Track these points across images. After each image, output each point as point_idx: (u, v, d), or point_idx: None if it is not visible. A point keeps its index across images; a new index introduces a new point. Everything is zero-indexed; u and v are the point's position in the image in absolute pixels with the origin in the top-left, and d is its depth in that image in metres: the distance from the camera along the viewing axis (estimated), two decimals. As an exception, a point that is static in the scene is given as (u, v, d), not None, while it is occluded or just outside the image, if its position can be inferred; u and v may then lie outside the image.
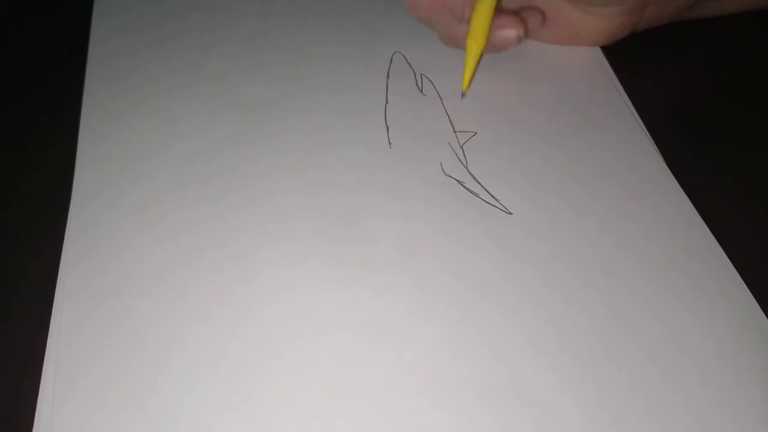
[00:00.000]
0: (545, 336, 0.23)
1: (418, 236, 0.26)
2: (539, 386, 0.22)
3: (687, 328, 0.24)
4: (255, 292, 0.24)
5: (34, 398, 0.22)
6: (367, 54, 0.34)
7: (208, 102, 0.32)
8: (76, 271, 0.25)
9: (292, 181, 0.28)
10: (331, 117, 0.31)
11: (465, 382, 0.22)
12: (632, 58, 0.35)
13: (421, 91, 0.32)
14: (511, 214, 0.27)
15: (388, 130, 0.31)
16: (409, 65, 0.33)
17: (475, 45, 0.30)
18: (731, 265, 0.26)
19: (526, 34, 0.32)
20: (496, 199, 0.28)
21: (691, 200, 0.28)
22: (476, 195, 0.28)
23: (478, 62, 0.30)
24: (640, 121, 0.32)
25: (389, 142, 0.30)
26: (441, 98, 0.32)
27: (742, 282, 0.25)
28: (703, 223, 0.27)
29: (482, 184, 0.28)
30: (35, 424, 0.21)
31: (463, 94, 0.31)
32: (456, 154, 0.30)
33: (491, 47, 0.31)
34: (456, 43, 0.33)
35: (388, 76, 0.33)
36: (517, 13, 0.32)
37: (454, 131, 0.31)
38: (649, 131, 0.31)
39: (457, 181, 0.28)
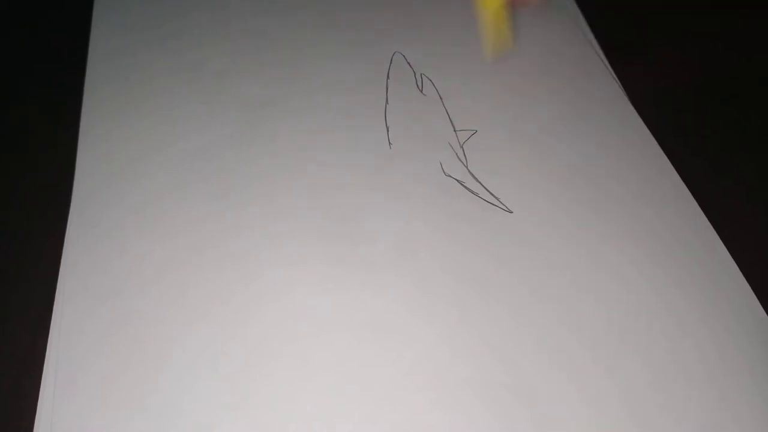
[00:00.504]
0: (545, 336, 0.23)
1: (418, 236, 0.26)
2: (539, 386, 0.22)
3: (689, 327, 0.24)
4: (255, 292, 0.24)
5: (34, 398, 0.22)
6: (367, 54, 0.34)
7: (208, 101, 0.32)
8: (76, 271, 0.25)
9: (292, 181, 0.28)
10: (331, 117, 0.31)
11: (465, 382, 0.22)
12: (632, 58, 0.35)
13: (421, 91, 0.32)
14: (511, 212, 0.27)
15: (388, 131, 0.30)
16: (409, 65, 0.33)
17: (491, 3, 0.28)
18: (734, 263, 0.26)
19: None
20: (496, 198, 0.28)
21: (694, 196, 0.28)
22: (476, 194, 0.28)
23: (504, 23, 0.28)
24: (640, 119, 0.32)
25: (389, 143, 0.30)
26: (441, 98, 0.32)
27: (745, 281, 0.25)
28: (707, 221, 0.27)
29: (482, 183, 0.28)
30: (35, 423, 0.21)
31: (491, 61, 0.29)
32: (456, 154, 0.30)
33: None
34: None
35: (388, 76, 0.33)
36: None
37: (454, 131, 0.31)
38: (650, 129, 0.31)
39: (457, 180, 0.28)
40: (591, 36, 0.36)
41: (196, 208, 0.27)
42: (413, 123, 0.31)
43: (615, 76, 0.34)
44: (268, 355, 0.23)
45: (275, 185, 0.28)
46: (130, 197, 0.27)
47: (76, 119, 0.31)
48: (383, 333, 0.23)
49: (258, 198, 0.28)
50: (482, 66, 0.33)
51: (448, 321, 0.24)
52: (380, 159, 0.29)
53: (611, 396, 0.22)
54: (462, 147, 0.30)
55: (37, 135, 0.31)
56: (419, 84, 0.32)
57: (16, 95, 0.33)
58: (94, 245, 0.26)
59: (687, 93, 0.34)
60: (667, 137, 0.31)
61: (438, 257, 0.26)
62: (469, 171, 0.29)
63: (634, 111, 0.32)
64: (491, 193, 0.28)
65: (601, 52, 0.35)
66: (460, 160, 0.29)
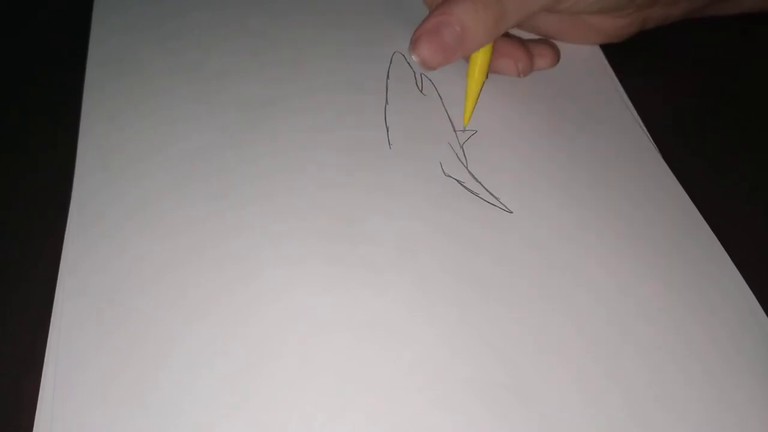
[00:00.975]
0: (545, 336, 0.23)
1: (418, 236, 0.26)
2: (539, 386, 0.22)
3: (688, 327, 0.24)
4: (255, 292, 0.24)
5: (34, 398, 0.22)
6: (367, 54, 0.34)
7: (208, 101, 0.32)
8: (76, 271, 0.25)
9: (292, 181, 0.28)
10: (331, 117, 0.31)
11: (465, 382, 0.22)
12: (632, 58, 0.35)
13: (421, 91, 0.32)
14: (511, 213, 0.27)
15: (387, 131, 0.30)
16: (409, 65, 0.33)
17: (474, 84, 0.30)
18: (733, 264, 0.26)
19: (527, 69, 0.32)
20: (496, 198, 0.28)
21: (692, 200, 0.28)
22: (476, 195, 0.28)
23: (479, 94, 0.30)
24: (640, 120, 0.32)
25: (389, 143, 0.30)
26: (441, 98, 0.32)
27: (744, 282, 0.25)
28: (705, 223, 0.27)
29: (482, 183, 0.28)
30: (35, 424, 0.21)
31: (464, 128, 0.30)
32: (456, 154, 0.30)
33: (492, 69, 0.31)
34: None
35: (388, 76, 0.33)
36: (527, 46, 0.32)
37: (454, 131, 0.31)
38: (648, 131, 0.31)
39: (457, 181, 0.28)
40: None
41: (196, 207, 0.27)
42: (413, 123, 0.31)
43: (616, 78, 0.34)
44: (268, 355, 0.23)
45: (275, 185, 0.28)
46: (130, 197, 0.27)
47: (76, 119, 0.31)
48: (383, 333, 0.23)
49: (258, 198, 0.28)
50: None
51: (448, 321, 0.24)
52: (380, 159, 0.29)
53: (611, 396, 0.22)
54: (462, 147, 0.30)
55: (37, 135, 0.31)
56: (419, 84, 0.32)
57: (16, 95, 0.33)
58: (94, 245, 0.26)
59: (687, 94, 0.34)
60: (667, 138, 0.31)
61: (438, 257, 0.26)
62: (468, 171, 0.29)
63: (636, 114, 0.32)
64: (491, 194, 0.28)
65: (601, 53, 0.35)
66: (460, 160, 0.29)
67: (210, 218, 0.27)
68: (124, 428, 0.21)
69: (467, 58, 0.30)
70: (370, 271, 0.25)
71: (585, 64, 0.35)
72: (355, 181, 0.28)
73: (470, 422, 0.21)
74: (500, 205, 0.28)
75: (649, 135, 0.31)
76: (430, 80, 0.33)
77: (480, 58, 0.29)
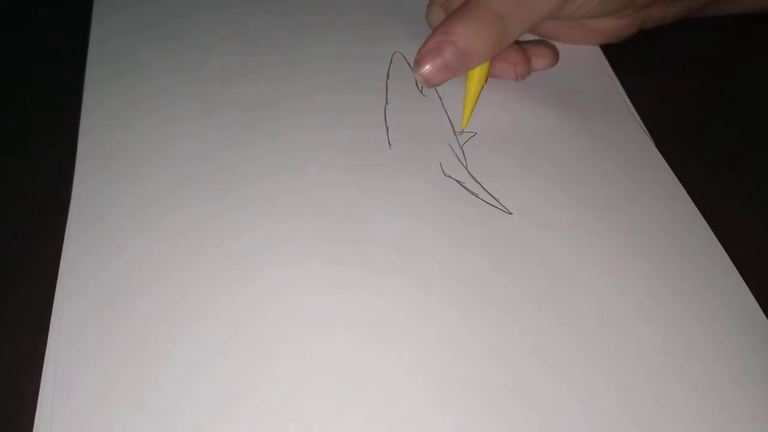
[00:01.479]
0: (545, 336, 0.23)
1: (418, 236, 0.26)
2: (539, 386, 0.22)
3: (688, 328, 0.24)
4: (255, 292, 0.24)
5: (34, 398, 0.22)
6: (367, 54, 0.34)
7: (208, 101, 0.32)
8: (76, 271, 0.25)
9: (292, 181, 0.28)
10: (331, 117, 0.31)
11: (465, 382, 0.22)
12: (632, 58, 0.35)
13: (421, 92, 0.32)
14: (511, 214, 0.27)
15: (387, 131, 0.30)
16: (409, 65, 0.33)
17: (473, 88, 0.30)
18: (732, 265, 0.26)
19: (525, 73, 0.32)
20: (496, 199, 0.28)
21: (693, 200, 0.28)
22: (476, 195, 0.28)
23: (477, 98, 0.30)
24: (640, 120, 0.32)
25: (389, 143, 0.30)
26: (441, 98, 0.32)
27: (743, 282, 0.25)
28: (705, 223, 0.27)
29: (482, 184, 0.28)
30: (35, 424, 0.21)
31: (462, 130, 0.31)
32: (456, 155, 0.30)
33: (490, 73, 0.31)
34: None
35: (388, 77, 0.33)
36: (525, 49, 0.32)
37: (454, 131, 0.31)
38: (649, 131, 0.31)
39: (457, 181, 0.28)
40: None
41: (196, 207, 0.27)
42: (413, 123, 0.31)
43: (617, 78, 0.34)
44: (268, 355, 0.23)
45: (275, 185, 0.28)
46: (130, 197, 0.27)
47: (76, 119, 0.31)
48: (383, 333, 0.23)
49: (258, 198, 0.28)
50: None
51: (448, 321, 0.24)
52: (380, 159, 0.29)
53: (611, 396, 0.22)
54: (462, 148, 0.30)
55: (37, 135, 0.31)
56: (419, 84, 0.32)
57: (16, 95, 0.33)
58: (94, 245, 0.26)
59: (687, 94, 0.34)
60: (667, 139, 0.31)
61: (438, 257, 0.26)
62: (468, 172, 0.29)
63: (636, 114, 0.32)
64: (491, 195, 0.28)
65: (601, 53, 0.36)
66: (459, 161, 0.29)
67: (210, 218, 0.27)
68: (124, 428, 0.21)
69: None
70: (370, 271, 0.25)
71: (585, 65, 0.35)
72: (355, 181, 0.28)
73: (470, 422, 0.21)
74: (500, 206, 0.28)
75: (649, 135, 0.31)
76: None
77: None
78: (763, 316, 0.24)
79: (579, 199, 0.28)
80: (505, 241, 0.26)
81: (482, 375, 0.22)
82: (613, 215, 0.27)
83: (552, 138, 0.31)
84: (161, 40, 0.35)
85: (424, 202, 0.28)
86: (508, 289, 0.25)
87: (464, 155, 0.30)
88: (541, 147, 0.30)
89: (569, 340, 0.23)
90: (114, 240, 0.26)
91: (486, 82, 0.30)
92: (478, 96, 0.30)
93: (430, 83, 0.29)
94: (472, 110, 0.30)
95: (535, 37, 0.35)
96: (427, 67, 0.28)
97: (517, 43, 0.32)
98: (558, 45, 0.35)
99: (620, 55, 0.35)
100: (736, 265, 0.26)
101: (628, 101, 0.33)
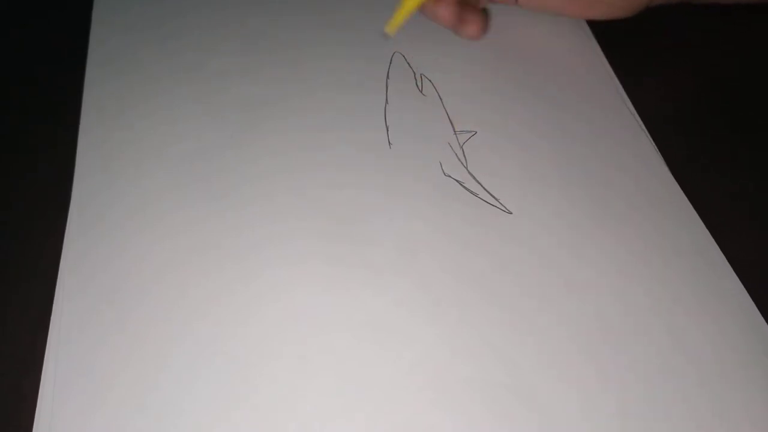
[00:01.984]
0: (545, 336, 0.23)
1: (418, 236, 0.26)
2: (539, 386, 0.22)
3: (686, 330, 0.24)
4: (255, 292, 0.24)
5: (34, 398, 0.22)
6: (367, 54, 0.34)
7: (208, 101, 0.32)
8: (76, 271, 0.25)
9: (292, 181, 0.28)
10: (331, 117, 0.31)
11: (465, 382, 0.22)
12: (632, 57, 0.35)
13: (421, 91, 0.32)
14: (510, 213, 0.27)
15: (387, 130, 0.30)
16: (409, 65, 0.33)
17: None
18: (731, 269, 0.26)
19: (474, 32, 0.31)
20: (495, 199, 0.28)
21: (691, 203, 0.28)
22: (476, 195, 0.28)
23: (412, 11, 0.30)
24: (640, 120, 0.32)
25: (389, 142, 0.30)
26: (441, 98, 0.32)
27: (742, 286, 0.25)
28: (703, 225, 0.27)
29: (482, 184, 0.28)
30: (35, 424, 0.21)
31: (385, 35, 0.30)
32: (456, 154, 0.30)
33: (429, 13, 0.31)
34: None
35: (388, 76, 0.33)
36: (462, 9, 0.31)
37: (454, 131, 0.31)
38: (648, 131, 0.31)
39: (457, 181, 0.28)
40: (595, 42, 0.36)
41: (196, 207, 0.27)
42: (413, 123, 0.31)
43: (617, 78, 0.34)
44: (268, 355, 0.23)
45: (275, 185, 0.28)
46: (130, 197, 0.27)
47: (76, 119, 0.31)
48: (383, 333, 0.23)
49: (258, 198, 0.28)
50: (483, 67, 0.33)
51: (448, 321, 0.24)
52: (380, 159, 0.29)
53: (610, 397, 0.22)
54: (462, 147, 0.30)
55: (37, 135, 0.31)
56: (419, 84, 0.32)
57: (16, 95, 0.33)
58: (94, 245, 0.26)
59: (687, 93, 0.34)
60: (667, 139, 0.31)
61: (438, 257, 0.26)
62: (468, 172, 0.29)
63: (636, 114, 0.32)
64: (491, 194, 0.28)
65: (601, 53, 0.35)
66: (459, 160, 0.29)
67: (210, 218, 0.27)
68: (124, 428, 0.21)
69: None
70: (370, 271, 0.25)
71: (585, 65, 0.35)
72: (355, 181, 0.28)
73: (470, 422, 0.21)
74: (500, 206, 0.28)
75: (648, 134, 0.31)
76: (429, 80, 0.33)
77: None
78: (761, 318, 0.24)
79: (578, 199, 0.28)
80: (505, 241, 0.26)
81: (482, 375, 0.22)
82: (613, 215, 0.27)
83: (552, 138, 0.31)
84: (161, 40, 0.35)
85: (424, 201, 0.28)
86: (508, 289, 0.25)
87: (464, 155, 0.30)
88: (541, 147, 0.30)
89: (569, 340, 0.23)
90: (114, 240, 0.26)
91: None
92: (418, 4, 0.30)
93: None
94: (403, 19, 0.30)
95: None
96: None
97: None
98: (556, 42, 0.34)
99: (620, 54, 0.35)
100: (733, 267, 0.26)
101: (628, 101, 0.33)
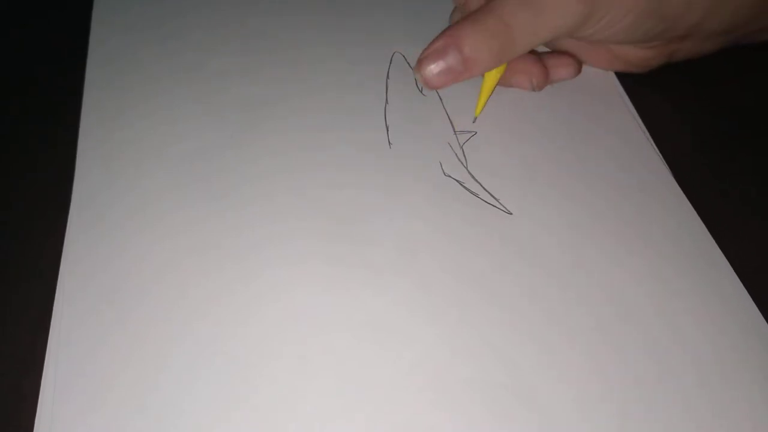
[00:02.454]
0: (545, 336, 0.23)
1: (418, 236, 0.26)
2: (539, 387, 0.22)
3: (687, 331, 0.24)
4: (255, 292, 0.24)
5: (34, 398, 0.22)
6: (367, 54, 0.34)
7: (208, 101, 0.32)
8: (76, 271, 0.25)
9: (292, 181, 0.28)
10: (331, 117, 0.31)
11: (465, 382, 0.22)
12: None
13: (421, 92, 0.32)
14: (511, 214, 0.27)
15: (387, 130, 0.30)
16: (409, 65, 0.33)
17: (489, 78, 0.30)
18: (731, 269, 0.26)
19: (542, 84, 0.31)
20: (496, 199, 0.28)
21: (691, 201, 0.28)
22: (476, 195, 0.28)
23: (493, 89, 0.30)
24: (640, 121, 0.32)
25: (389, 142, 0.30)
26: (441, 98, 0.32)
27: (742, 285, 0.25)
28: (703, 226, 0.27)
29: (482, 184, 0.28)
30: (35, 424, 0.21)
31: (475, 119, 0.31)
32: (456, 154, 0.30)
33: (503, 82, 0.31)
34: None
35: (388, 76, 0.33)
36: (544, 60, 0.31)
37: (454, 131, 0.31)
38: (649, 131, 0.31)
39: (457, 181, 0.28)
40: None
41: (196, 208, 0.27)
42: (413, 123, 0.31)
43: (617, 79, 0.34)
44: (268, 355, 0.23)
45: (275, 185, 0.28)
46: (130, 197, 0.27)
47: (76, 119, 0.31)
48: (383, 333, 0.23)
49: (258, 198, 0.28)
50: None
51: (448, 321, 0.24)
52: (380, 159, 0.29)
53: (610, 397, 0.22)
54: (462, 147, 0.30)
55: (37, 135, 0.31)
56: (419, 84, 0.32)
57: (16, 95, 0.33)
58: (94, 245, 0.26)
59: (689, 96, 0.34)
60: (668, 140, 0.31)
61: (438, 257, 0.26)
62: (468, 172, 0.29)
63: (636, 114, 0.32)
64: (491, 195, 0.28)
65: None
66: (459, 160, 0.29)
67: (210, 218, 0.27)
68: (124, 428, 0.21)
69: None
70: (370, 271, 0.25)
71: (586, 66, 0.35)
72: (355, 181, 0.28)
73: (470, 422, 0.21)
74: (500, 206, 0.28)
75: (649, 135, 0.31)
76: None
77: None
78: (762, 318, 0.24)
79: (578, 200, 0.28)
80: (505, 241, 0.26)
81: (482, 375, 0.22)
82: (613, 216, 0.27)
83: (552, 138, 0.31)
84: (161, 40, 0.35)
85: (424, 201, 0.28)
86: (508, 289, 0.25)
87: (464, 155, 0.30)
88: (541, 147, 0.30)
89: (569, 341, 0.23)
90: (114, 240, 0.26)
91: (498, 83, 0.30)
92: (494, 86, 0.30)
93: (430, 85, 0.28)
94: (487, 100, 0.30)
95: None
96: (430, 67, 0.28)
97: (535, 53, 0.31)
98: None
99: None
100: (734, 268, 0.26)
101: (628, 101, 0.33)
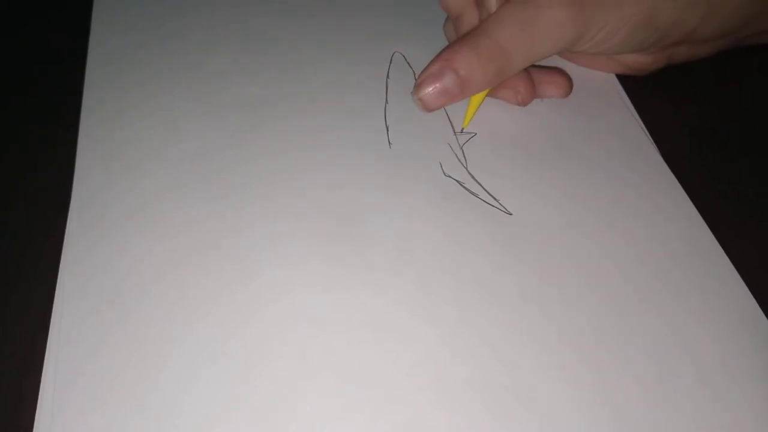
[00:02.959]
0: (545, 336, 0.24)
1: (418, 236, 0.26)
2: (539, 387, 0.22)
3: (687, 329, 0.24)
4: (255, 292, 0.24)
5: (34, 398, 0.22)
6: (367, 54, 0.34)
7: (208, 101, 0.32)
8: (76, 271, 0.25)
9: (292, 181, 0.28)
10: (331, 117, 0.31)
11: (465, 382, 0.22)
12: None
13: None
14: (510, 214, 0.27)
15: (387, 131, 0.31)
16: (409, 65, 0.33)
17: (476, 96, 0.30)
18: (732, 266, 0.26)
19: (527, 99, 0.31)
20: (495, 200, 0.28)
21: (692, 201, 0.28)
22: (476, 195, 0.28)
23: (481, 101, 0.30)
24: (641, 121, 0.32)
25: (389, 143, 0.30)
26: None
27: (743, 283, 0.25)
28: (704, 224, 0.27)
29: (482, 184, 0.28)
30: (35, 424, 0.21)
31: (462, 130, 0.31)
32: (456, 155, 0.30)
33: (490, 93, 0.31)
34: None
35: (388, 76, 0.33)
36: (534, 75, 0.31)
37: (454, 132, 0.31)
38: (650, 132, 0.31)
39: (457, 181, 0.28)
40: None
41: (196, 208, 0.27)
42: (413, 123, 0.31)
43: (618, 81, 0.34)
44: (268, 355, 0.23)
45: (275, 185, 0.28)
46: (130, 197, 0.27)
47: (76, 119, 0.31)
48: (383, 333, 0.23)
49: (258, 198, 0.28)
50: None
51: (448, 321, 0.24)
52: (380, 159, 0.29)
53: (610, 397, 0.22)
54: (462, 148, 0.30)
55: (37, 135, 0.31)
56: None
57: (16, 95, 0.33)
58: (94, 245, 0.26)
59: (689, 96, 0.34)
60: (668, 140, 0.31)
61: (438, 257, 0.26)
62: (468, 172, 0.29)
63: (636, 114, 0.32)
64: (491, 195, 0.28)
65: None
66: (459, 161, 0.29)
67: (210, 218, 0.27)
68: (124, 428, 0.21)
69: None
70: (370, 271, 0.25)
71: (590, 71, 0.35)
72: (355, 181, 0.28)
73: (470, 422, 0.21)
74: (500, 206, 0.28)
75: (649, 135, 0.31)
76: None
77: None
78: (764, 317, 0.24)
79: (579, 200, 0.28)
80: (505, 241, 0.26)
81: (482, 375, 0.22)
82: (613, 216, 0.27)
83: (552, 138, 0.31)
84: (161, 40, 0.35)
85: (424, 201, 0.28)
86: (508, 289, 0.25)
87: (464, 155, 0.30)
88: (541, 147, 0.30)
89: (569, 341, 0.23)
90: (114, 240, 0.26)
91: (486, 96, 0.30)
92: (482, 99, 0.30)
93: (428, 107, 0.29)
94: (475, 112, 0.30)
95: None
96: (427, 90, 0.29)
97: (525, 69, 0.31)
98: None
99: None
100: (736, 267, 0.26)
101: (628, 102, 0.33)
